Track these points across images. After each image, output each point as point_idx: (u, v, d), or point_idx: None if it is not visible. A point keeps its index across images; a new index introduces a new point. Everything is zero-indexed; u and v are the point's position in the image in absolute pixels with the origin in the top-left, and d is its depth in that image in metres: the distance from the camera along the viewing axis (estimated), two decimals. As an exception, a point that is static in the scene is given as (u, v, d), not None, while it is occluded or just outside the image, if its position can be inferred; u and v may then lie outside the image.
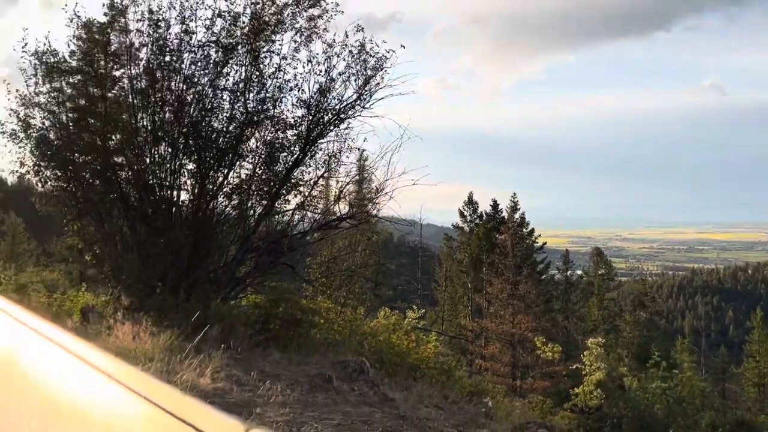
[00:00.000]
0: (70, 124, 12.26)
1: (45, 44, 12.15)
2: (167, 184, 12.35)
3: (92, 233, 12.43)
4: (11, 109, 12.13)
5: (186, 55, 12.12)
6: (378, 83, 12.52)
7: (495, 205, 43.04)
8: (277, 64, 12.62)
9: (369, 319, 15.72)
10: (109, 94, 12.52)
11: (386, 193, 12.84)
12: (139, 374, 0.85)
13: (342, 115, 12.62)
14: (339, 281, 17.62)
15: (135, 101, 12.30)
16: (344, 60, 12.53)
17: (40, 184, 12.13)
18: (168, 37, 11.98)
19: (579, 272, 47.68)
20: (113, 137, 12.33)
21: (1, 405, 0.72)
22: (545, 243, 41.55)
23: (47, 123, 12.17)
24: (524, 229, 39.50)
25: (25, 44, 12.02)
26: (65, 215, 12.91)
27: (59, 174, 12.00)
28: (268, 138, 12.96)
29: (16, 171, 12.19)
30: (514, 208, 39.56)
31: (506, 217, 39.97)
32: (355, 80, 12.46)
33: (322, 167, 13.37)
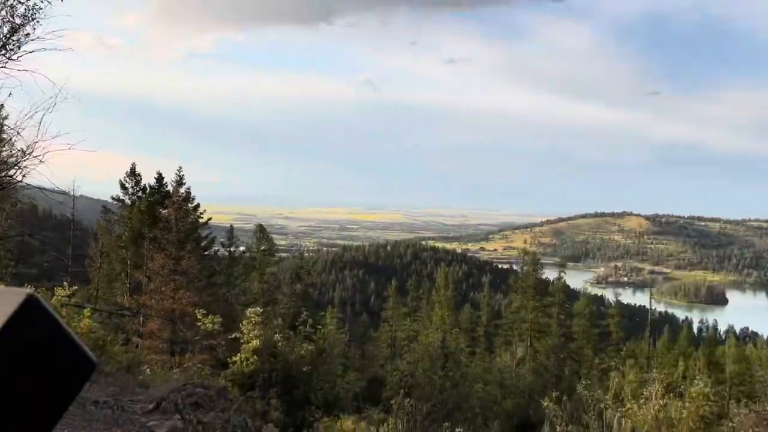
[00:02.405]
0: None
1: None
2: None
3: None
4: None
5: None
6: (28, 34, 11.23)
7: (160, 177, 41.43)
8: None
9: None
10: None
11: (36, 157, 11.62)
12: None
13: (-20, 64, 11.00)
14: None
15: None
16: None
17: None
18: None
19: (242, 248, 48.96)
20: None
21: None
22: (210, 219, 41.55)
23: None
24: (189, 204, 38.97)
25: None
26: None
27: None
28: None
29: None
30: (180, 182, 38.71)
31: (171, 191, 38.92)
32: (0, 27, 10.99)
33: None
